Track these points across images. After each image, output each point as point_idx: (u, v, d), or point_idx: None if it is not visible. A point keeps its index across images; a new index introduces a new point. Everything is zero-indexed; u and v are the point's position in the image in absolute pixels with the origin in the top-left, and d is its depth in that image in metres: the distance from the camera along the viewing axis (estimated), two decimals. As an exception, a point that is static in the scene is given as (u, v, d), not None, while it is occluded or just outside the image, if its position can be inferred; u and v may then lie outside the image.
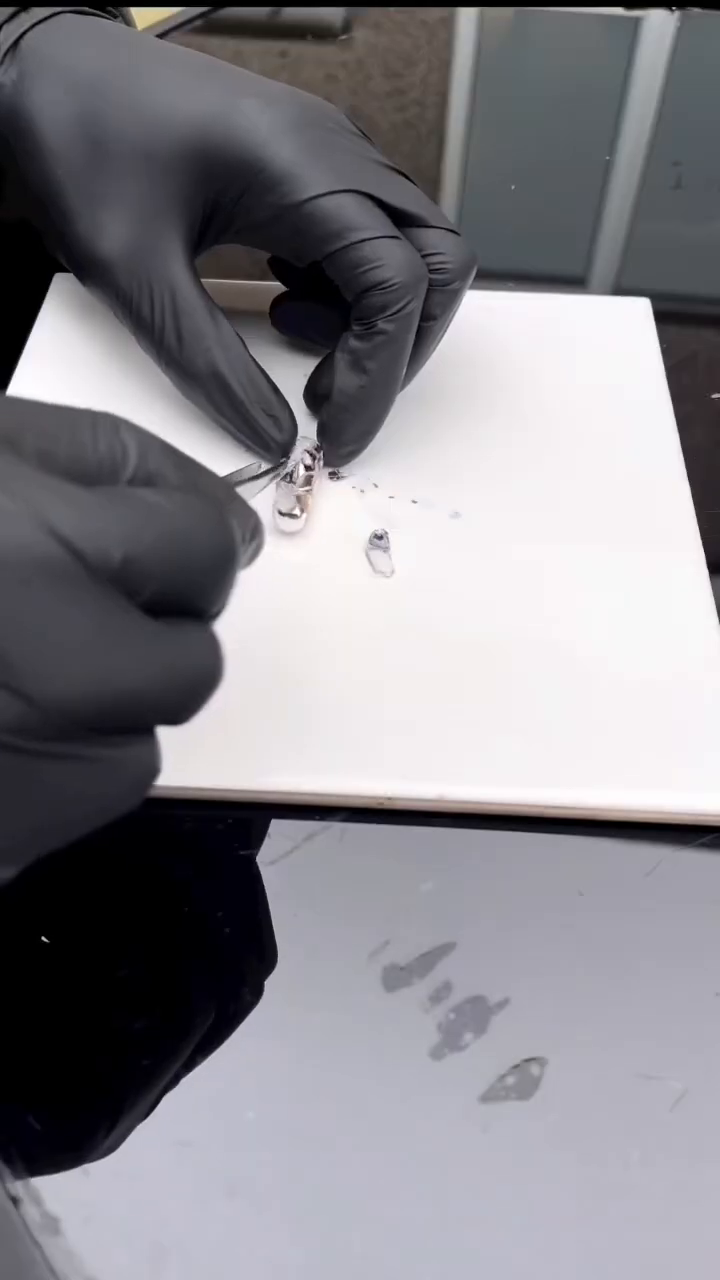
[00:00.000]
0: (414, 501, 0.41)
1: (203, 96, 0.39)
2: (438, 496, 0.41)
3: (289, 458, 0.40)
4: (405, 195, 0.39)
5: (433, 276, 0.39)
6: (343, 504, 0.41)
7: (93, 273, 0.41)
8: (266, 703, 0.35)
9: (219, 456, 0.42)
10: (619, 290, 0.54)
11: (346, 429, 0.40)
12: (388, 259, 0.37)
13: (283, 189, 0.38)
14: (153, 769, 0.24)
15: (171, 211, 0.40)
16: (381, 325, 0.38)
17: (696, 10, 0.71)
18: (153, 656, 0.23)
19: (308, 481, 0.40)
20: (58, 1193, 0.26)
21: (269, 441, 0.41)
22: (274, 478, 0.38)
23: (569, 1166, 0.27)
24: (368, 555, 0.39)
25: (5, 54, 0.40)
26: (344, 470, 0.42)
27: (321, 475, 0.41)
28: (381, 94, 0.66)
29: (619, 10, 0.72)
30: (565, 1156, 0.27)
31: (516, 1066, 0.29)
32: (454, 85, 0.67)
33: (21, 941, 0.30)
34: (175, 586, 0.23)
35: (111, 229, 0.40)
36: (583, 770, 0.34)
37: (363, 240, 0.37)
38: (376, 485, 0.42)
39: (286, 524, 0.39)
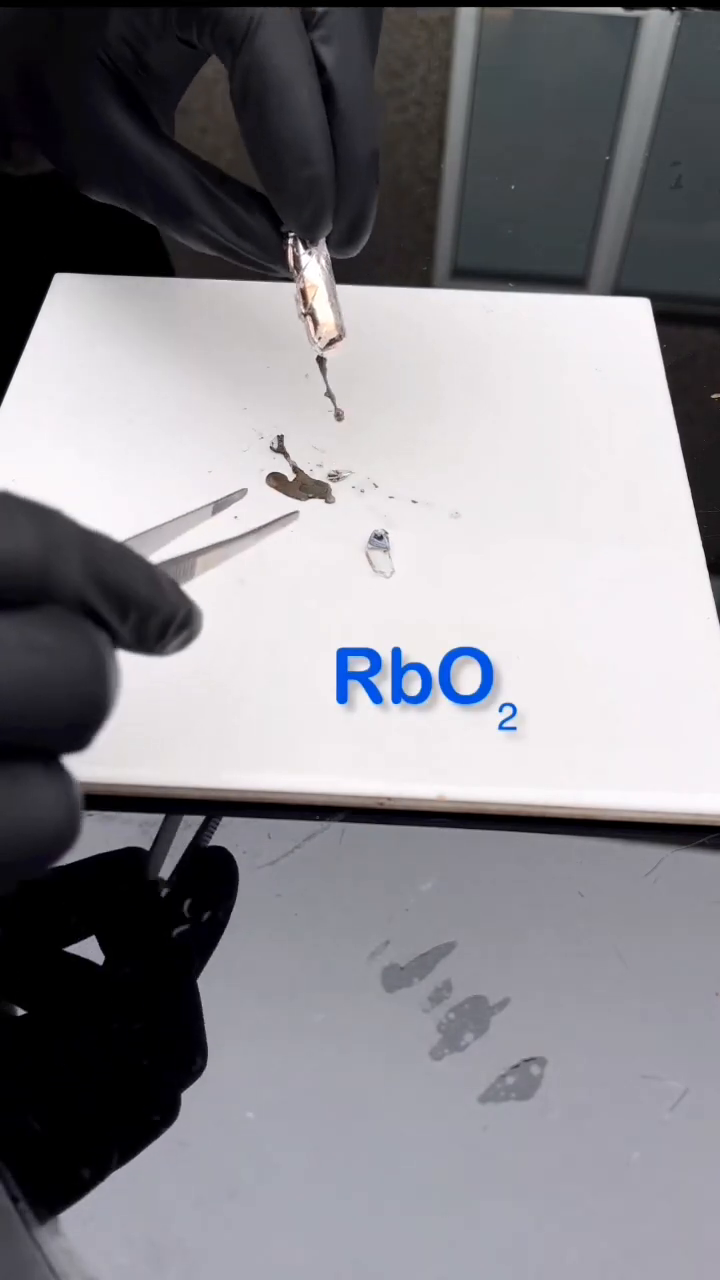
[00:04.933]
0: (414, 501, 0.41)
1: None
2: (438, 496, 0.41)
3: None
4: None
5: None
6: (343, 504, 0.41)
7: (74, 178, 0.42)
8: (266, 703, 0.35)
9: (220, 450, 0.42)
10: (619, 290, 0.54)
11: (284, 189, 0.35)
12: None
13: None
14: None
15: (90, 76, 0.39)
16: (238, 62, 0.34)
17: (696, 10, 0.71)
18: None
19: (318, 283, 0.37)
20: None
21: (257, 261, 0.38)
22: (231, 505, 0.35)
23: (569, 1167, 0.27)
24: (368, 555, 0.39)
25: None
26: (344, 470, 0.42)
27: (322, 260, 0.37)
28: (381, 94, 0.66)
29: (619, 10, 0.72)
30: (565, 1157, 0.27)
31: (516, 1066, 0.29)
32: (454, 85, 0.67)
33: (20, 944, 0.30)
34: (16, 735, 0.22)
35: (61, 128, 0.41)
36: (583, 770, 0.34)
37: None
38: (376, 485, 0.42)
39: (333, 351, 0.37)
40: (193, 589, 0.26)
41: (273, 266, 0.38)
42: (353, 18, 0.35)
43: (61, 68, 0.40)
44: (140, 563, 0.24)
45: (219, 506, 0.35)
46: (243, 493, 0.37)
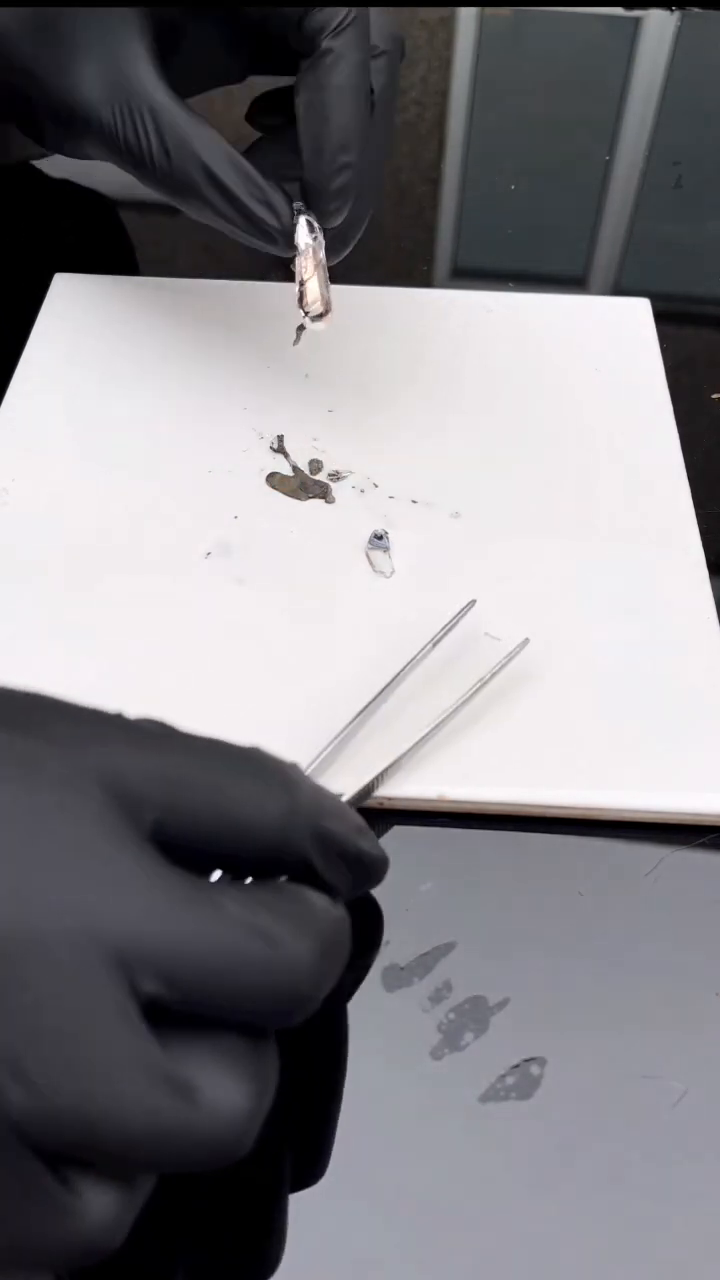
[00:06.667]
0: (414, 501, 0.41)
1: None
2: (438, 496, 0.41)
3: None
4: None
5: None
6: (343, 504, 0.41)
7: (74, 126, 0.41)
8: (265, 703, 0.35)
9: (220, 450, 0.42)
10: (619, 290, 0.54)
11: (323, 161, 0.38)
12: None
13: None
14: (106, 1229, 0.20)
15: (129, 29, 0.40)
16: (325, 44, 0.38)
17: (696, 10, 0.71)
18: (150, 1099, 0.20)
19: (317, 260, 0.39)
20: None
21: (270, 231, 0.39)
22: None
23: (569, 1167, 0.27)
24: (368, 555, 0.39)
25: None
26: (344, 470, 0.42)
27: (322, 251, 0.39)
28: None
29: (619, 10, 0.72)
30: (565, 1157, 0.27)
31: (516, 1066, 0.29)
32: (454, 85, 0.67)
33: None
34: (203, 1009, 0.21)
35: (79, 72, 0.41)
36: (583, 770, 0.34)
37: None
38: (376, 485, 0.42)
39: (319, 325, 0.39)
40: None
41: (277, 238, 0.39)
42: (395, 62, 0.41)
43: (95, 13, 0.40)
44: (352, 818, 0.25)
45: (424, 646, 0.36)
46: (472, 604, 0.36)
